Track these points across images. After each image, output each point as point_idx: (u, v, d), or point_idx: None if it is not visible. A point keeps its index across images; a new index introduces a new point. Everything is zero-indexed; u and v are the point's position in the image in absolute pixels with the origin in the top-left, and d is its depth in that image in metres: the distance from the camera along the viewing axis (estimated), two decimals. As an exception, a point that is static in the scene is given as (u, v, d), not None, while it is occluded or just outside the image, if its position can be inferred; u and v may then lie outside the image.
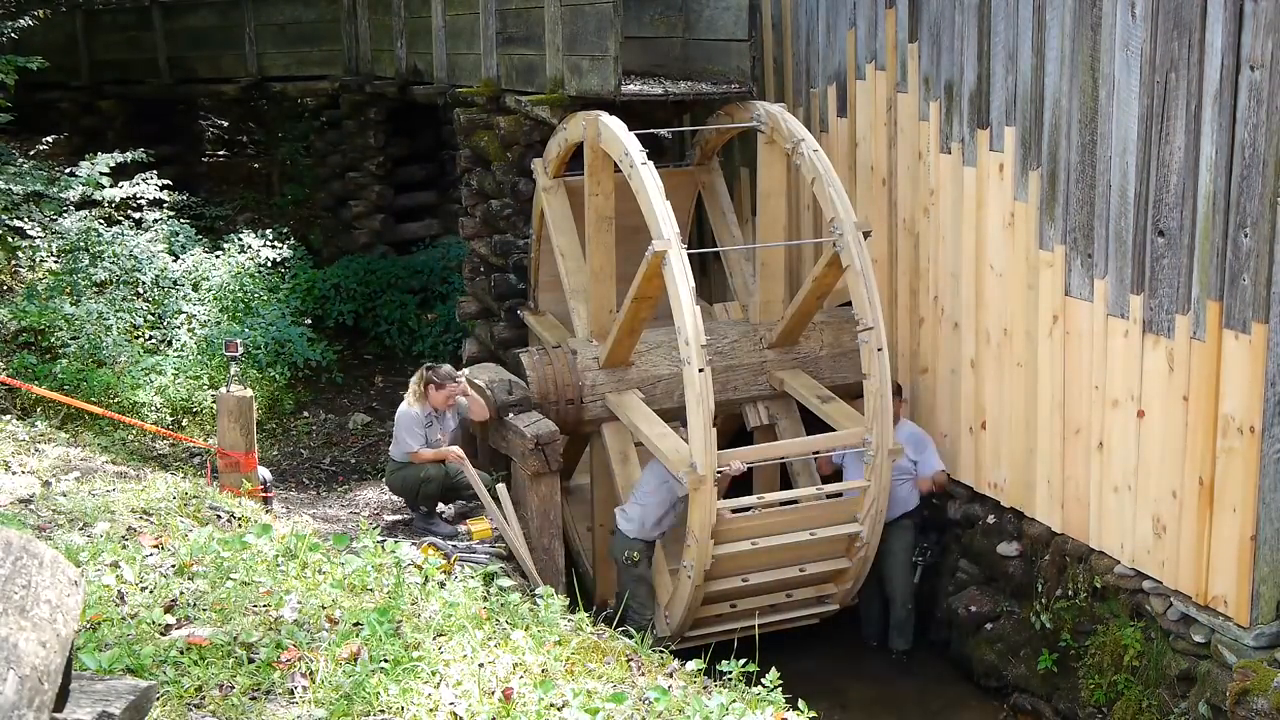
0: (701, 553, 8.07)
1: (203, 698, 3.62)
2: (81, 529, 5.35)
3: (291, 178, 18.86)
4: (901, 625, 9.01)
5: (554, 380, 9.26)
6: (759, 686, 4.35)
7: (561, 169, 10.13)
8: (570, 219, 10.06)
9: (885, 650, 9.08)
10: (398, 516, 9.28)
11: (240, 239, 14.74)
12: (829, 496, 8.72)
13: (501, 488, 8.84)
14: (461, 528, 8.96)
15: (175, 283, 13.26)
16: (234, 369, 8.14)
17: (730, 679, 4.33)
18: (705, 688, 4.35)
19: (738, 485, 9.10)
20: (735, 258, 10.20)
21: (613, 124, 8.84)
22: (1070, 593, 7.91)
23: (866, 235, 8.52)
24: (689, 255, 8.15)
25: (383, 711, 3.68)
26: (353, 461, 12.02)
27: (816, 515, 8.56)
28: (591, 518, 9.72)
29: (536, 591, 5.22)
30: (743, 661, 4.41)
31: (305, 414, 13.05)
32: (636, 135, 8.76)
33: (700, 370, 7.79)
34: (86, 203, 13.50)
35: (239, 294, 13.53)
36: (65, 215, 13.12)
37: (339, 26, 15.40)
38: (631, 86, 10.06)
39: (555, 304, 10.55)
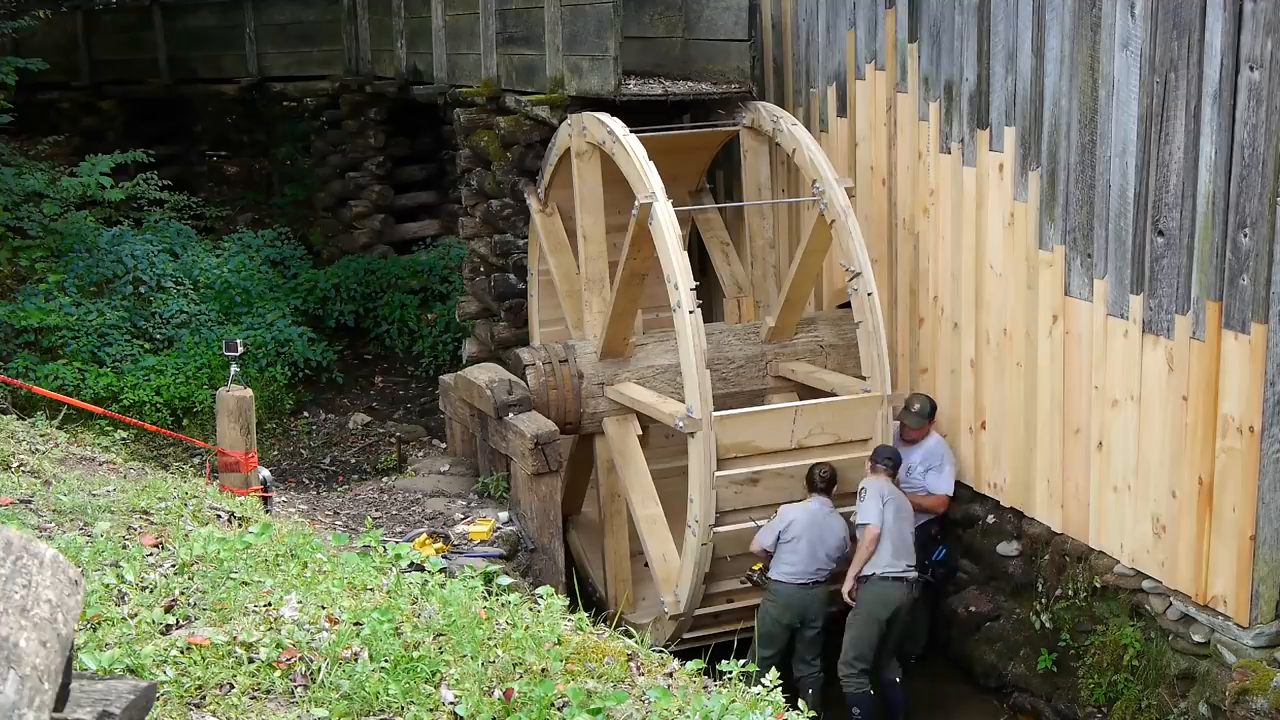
0: (706, 506, 8.00)
1: (203, 698, 3.62)
2: (81, 529, 5.35)
3: (291, 178, 18.88)
4: (912, 634, 8.47)
5: (552, 358, 9.28)
6: (759, 686, 4.35)
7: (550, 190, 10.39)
8: (565, 239, 10.25)
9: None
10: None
11: (241, 239, 14.77)
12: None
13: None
14: (461, 528, 8.97)
15: (176, 282, 13.28)
16: (234, 369, 8.13)
17: (730, 679, 4.33)
18: (705, 688, 4.35)
19: None
20: (730, 285, 10.29)
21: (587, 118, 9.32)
22: (1070, 592, 7.91)
23: (850, 193, 8.84)
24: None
25: (383, 711, 3.68)
26: (353, 461, 12.04)
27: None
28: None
29: (537, 591, 5.23)
30: (743, 661, 4.41)
31: (305, 414, 13.06)
32: (636, 134, 8.87)
33: (690, 313, 7.91)
34: (87, 203, 13.51)
35: (239, 294, 13.55)
36: (65, 215, 13.13)
37: (339, 26, 15.41)
38: (631, 86, 10.08)
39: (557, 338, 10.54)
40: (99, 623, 4.07)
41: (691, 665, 4.55)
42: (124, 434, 10.77)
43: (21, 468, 6.75)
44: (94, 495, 6.14)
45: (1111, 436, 7.53)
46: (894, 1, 8.95)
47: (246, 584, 4.61)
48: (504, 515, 9.20)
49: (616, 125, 8.95)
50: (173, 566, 4.82)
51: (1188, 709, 7.02)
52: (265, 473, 8.35)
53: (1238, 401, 6.63)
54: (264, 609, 4.36)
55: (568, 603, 5.13)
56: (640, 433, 9.20)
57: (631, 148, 8.69)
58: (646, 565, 8.94)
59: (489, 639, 4.36)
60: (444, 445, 11.37)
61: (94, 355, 11.93)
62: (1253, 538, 6.67)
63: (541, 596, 4.99)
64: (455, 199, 15.52)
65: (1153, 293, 7.11)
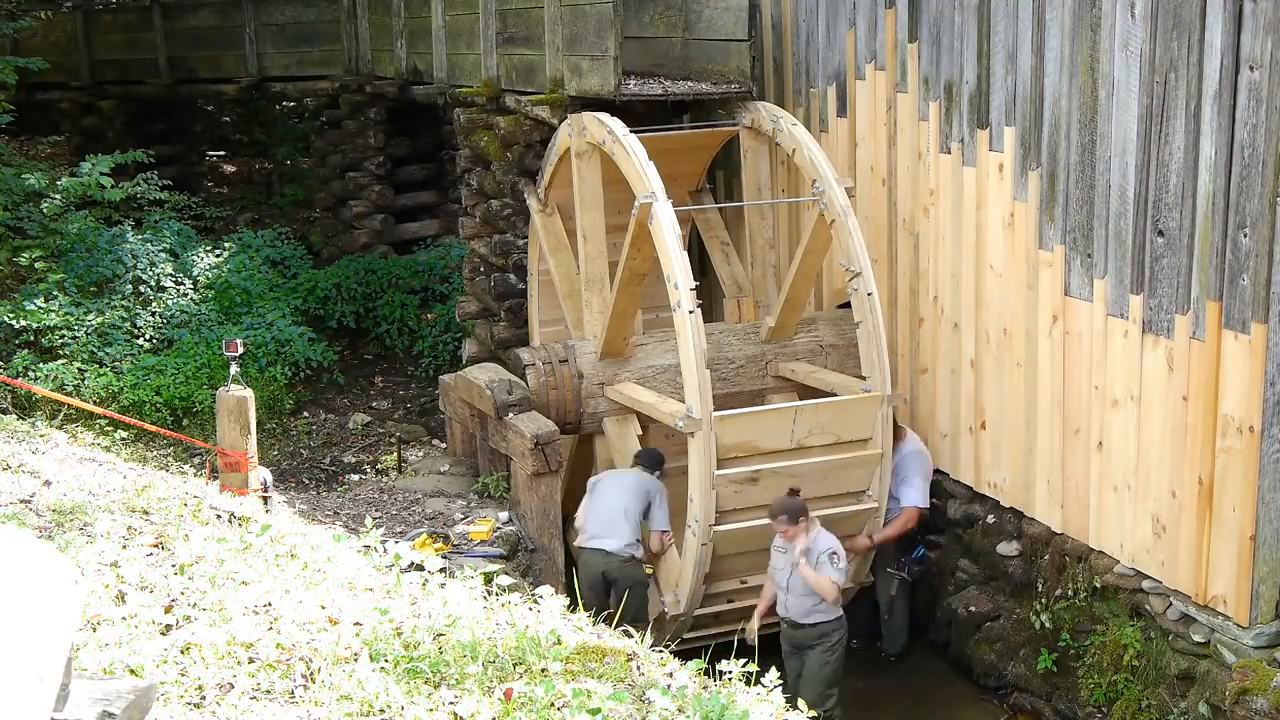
0: (706, 506, 8.01)
1: (203, 698, 3.62)
2: (81, 529, 5.35)
3: (291, 178, 18.88)
4: (892, 631, 8.97)
5: (552, 358, 9.27)
6: (759, 686, 4.35)
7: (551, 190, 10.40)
8: (565, 239, 10.26)
9: (874, 650, 9.02)
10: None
11: (241, 239, 14.77)
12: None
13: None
14: (461, 528, 8.97)
15: (176, 282, 13.28)
16: (234, 369, 8.13)
17: (730, 679, 4.33)
18: (705, 688, 4.35)
19: None
20: (730, 285, 10.26)
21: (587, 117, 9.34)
22: (1070, 592, 7.91)
23: (850, 193, 8.83)
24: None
25: (382, 711, 3.68)
26: (353, 461, 12.02)
27: (824, 482, 8.41)
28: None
29: (537, 591, 5.23)
30: (743, 661, 4.41)
31: (305, 414, 13.05)
32: (636, 134, 8.89)
33: (690, 313, 7.92)
34: (87, 203, 13.50)
35: (239, 294, 13.55)
36: (65, 215, 13.13)
37: (339, 26, 15.41)
38: (631, 86, 10.08)
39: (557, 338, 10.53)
40: (99, 623, 4.07)
41: (691, 665, 4.55)
42: (124, 434, 10.77)
43: (21, 468, 6.74)
44: (94, 495, 6.14)
45: (1111, 436, 7.53)
46: (894, 1, 8.95)
47: (246, 584, 4.61)
48: (504, 515, 9.20)
49: (616, 125, 8.95)
50: (173, 566, 4.82)
51: (1188, 709, 7.02)
52: (266, 474, 8.34)
53: (1238, 401, 6.63)
54: (264, 609, 4.36)
55: (568, 603, 5.13)
56: (640, 433, 9.21)
57: (631, 148, 8.69)
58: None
59: (489, 639, 4.36)
60: (444, 445, 11.37)
61: (94, 355, 11.92)
62: (1253, 538, 6.67)
63: (541, 596, 4.99)
64: (455, 199, 15.52)
65: (1153, 293, 7.11)
